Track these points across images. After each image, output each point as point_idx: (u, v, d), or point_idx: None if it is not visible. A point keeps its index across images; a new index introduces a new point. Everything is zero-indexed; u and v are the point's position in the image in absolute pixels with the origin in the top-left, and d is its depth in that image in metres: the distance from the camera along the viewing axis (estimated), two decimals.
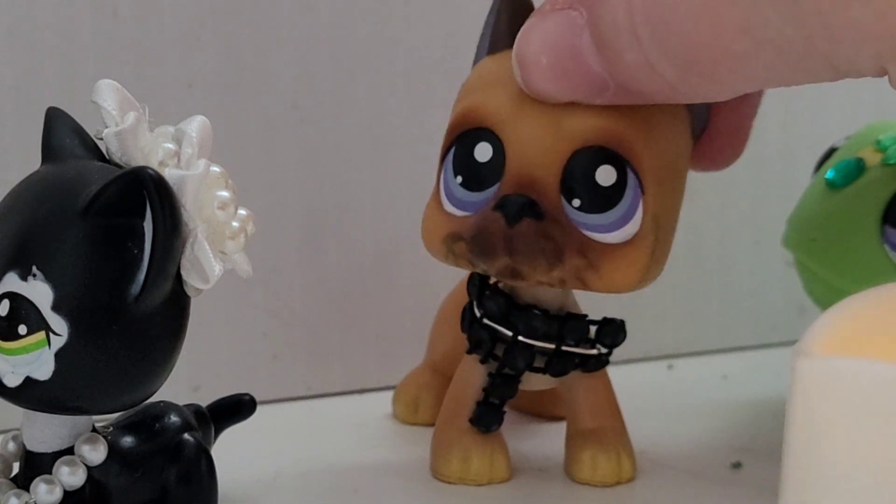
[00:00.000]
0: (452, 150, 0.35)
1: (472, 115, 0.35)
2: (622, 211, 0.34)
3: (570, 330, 0.36)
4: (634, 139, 0.34)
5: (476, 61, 0.38)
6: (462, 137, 0.35)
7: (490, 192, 0.35)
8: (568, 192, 0.34)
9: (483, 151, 0.35)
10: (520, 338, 0.36)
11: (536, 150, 0.34)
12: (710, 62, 0.31)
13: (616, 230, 0.34)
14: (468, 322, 0.37)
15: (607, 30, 0.32)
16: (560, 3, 0.33)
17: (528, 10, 0.36)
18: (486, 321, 0.37)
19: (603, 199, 0.34)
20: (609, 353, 0.37)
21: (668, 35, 0.31)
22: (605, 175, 0.34)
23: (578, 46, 0.32)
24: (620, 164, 0.34)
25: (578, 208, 0.34)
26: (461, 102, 0.36)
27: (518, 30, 0.35)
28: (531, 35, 0.33)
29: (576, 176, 0.34)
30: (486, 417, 0.37)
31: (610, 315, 0.37)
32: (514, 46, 0.34)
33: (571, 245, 0.34)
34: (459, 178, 0.35)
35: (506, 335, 0.36)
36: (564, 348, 0.36)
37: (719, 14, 0.30)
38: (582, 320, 0.37)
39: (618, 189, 0.34)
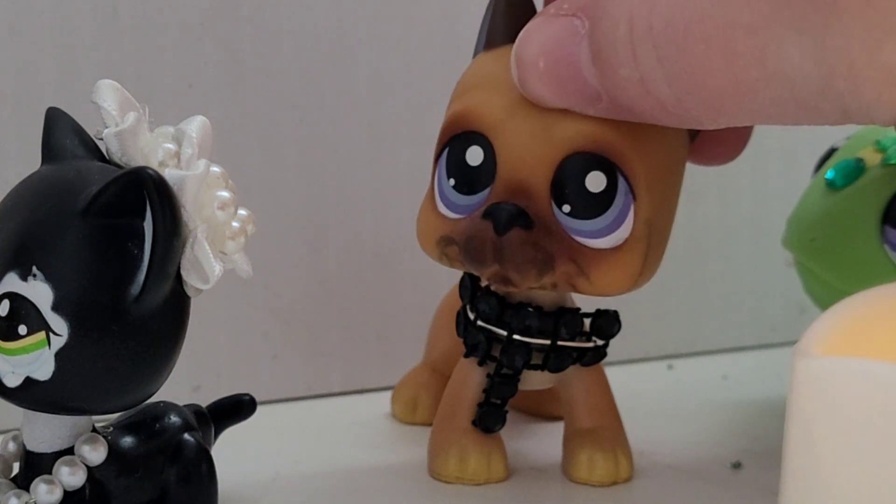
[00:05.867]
0: (445, 152, 0.35)
1: (464, 119, 0.35)
2: (612, 216, 0.34)
3: (565, 324, 0.36)
4: (625, 145, 0.34)
5: (476, 55, 0.38)
6: (454, 140, 0.35)
7: (482, 196, 0.35)
8: (558, 197, 0.34)
9: (474, 155, 0.35)
10: (515, 336, 0.36)
11: (527, 155, 0.34)
12: (714, 89, 0.30)
13: (606, 235, 0.34)
14: (462, 326, 0.37)
15: (605, 44, 0.32)
16: (565, 9, 0.33)
17: (528, 4, 0.36)
18: (480, 323, 0.37)
19: (593, 205, 0.34)
20: (605, 345, 0.37)
21: (676, 57, 0.30)
22: (595, 181, 0.34)
23: (576, 55, 0.32)
24: (610, 170, 0.34)
25: (569, 214, 0.34)
26: (454, 104, 0.36)
27: (515, 25, 0.35)
28: (532, 37, 0.33)
29: (566, 182, 0.34)
30: (490, 418, 0.37)
31: None
32: (514, 46, 0.34)
33: (562, 252, 0.34)
34: (452, 181, 0.35)
35: (501, 335, 0.36)
36: (560, 343, 0.36)
37: (734, 41, 0.29)
38: (576, 314, 0.37)
39: (608, 195, 0.34)
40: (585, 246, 0.34)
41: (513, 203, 0.34)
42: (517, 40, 0.34)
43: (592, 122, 0.34)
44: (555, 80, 0.33)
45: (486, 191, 0.35)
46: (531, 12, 0.36)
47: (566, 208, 0.34)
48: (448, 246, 0.35)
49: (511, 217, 0.34)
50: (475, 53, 0.38)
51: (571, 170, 0.34)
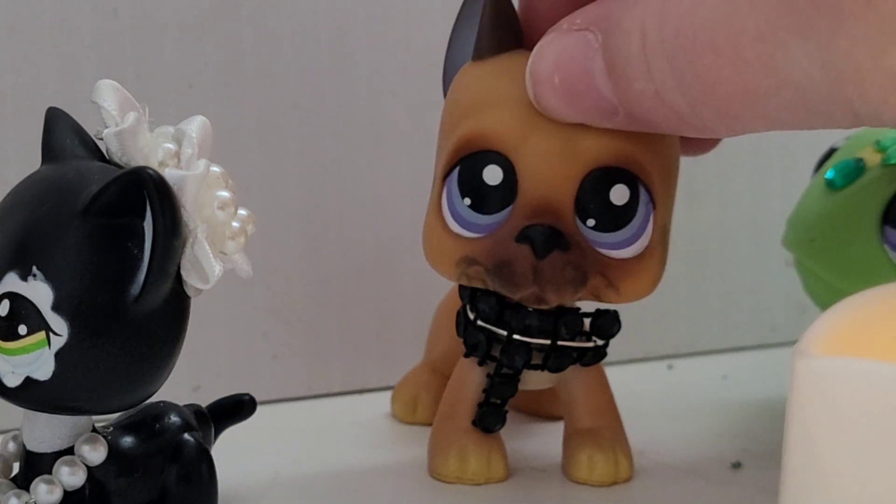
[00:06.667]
0: (456, 171, 0.35)
1: (480, 139, 0.35)
2: (636, 227, 0.35)
3: (565, 324, 0.36)
4: (643, 156, 0.34)
5: (451, 59, 0.37)
6: (467, 160, 0.35)
7: (503, 215, 0.35)
8: (582, 212, 0.34)
9: (493, 174, 0.35)
10: (515, 336, 0.36)
11: (549, 172, 0.34)
12: (726, 98, 0.30)
13: (630, 245, 0.35)
14: (462, 325, 0.37)
15: (619, 57, 0.32)
16: (577, 24, 0.33)
17: (511, 14, 0.36)
18: (480, 323, 0.37)
19: (617, 218, 0.34)
20: (605, 345, 0.37)
21: (687, 67, 0.30)
22: (619, 194, 0.34)
23: (591, 70, 0.32)
24: (632, 182, 0.34)
25: (594, 228, 0.34)
26: (463, 123, 0.35)
27: (502, 35, 0.35)
28: (546, 52, 0.33)
29: (590, 197, 0.34)
30: (489, 418, 0.37)
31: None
32: (529, 62, 0.34)
33: (593, 268, 0.34)
34: (468, 201, 0.35)
35: (501, 335, 0.36)
36: (560, 343, 0.36)
37: (743, 49, 0.29)
38: (576, 314, 0.37)
39: (631, 207, 0.34)
40: (611, 258, 0.35)
41: (547, 225, 0.34)
42: (532, 56, 0.34)
43: (611, 135, 0.34)
44: (571, 95, 0.33)
45: (507, 209, 0.35)
46: (515, 17, 0.36)
47: (591, 223, 0.34)
48: (470, 266, 0.35)
49: (549, 239, 0.34)
50: (450, 59, 0.37)
51: (595, 185, 0.34)
